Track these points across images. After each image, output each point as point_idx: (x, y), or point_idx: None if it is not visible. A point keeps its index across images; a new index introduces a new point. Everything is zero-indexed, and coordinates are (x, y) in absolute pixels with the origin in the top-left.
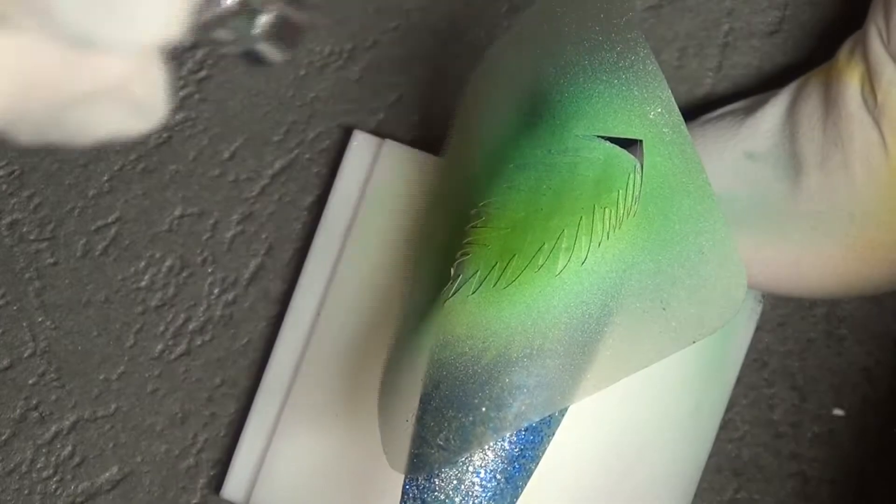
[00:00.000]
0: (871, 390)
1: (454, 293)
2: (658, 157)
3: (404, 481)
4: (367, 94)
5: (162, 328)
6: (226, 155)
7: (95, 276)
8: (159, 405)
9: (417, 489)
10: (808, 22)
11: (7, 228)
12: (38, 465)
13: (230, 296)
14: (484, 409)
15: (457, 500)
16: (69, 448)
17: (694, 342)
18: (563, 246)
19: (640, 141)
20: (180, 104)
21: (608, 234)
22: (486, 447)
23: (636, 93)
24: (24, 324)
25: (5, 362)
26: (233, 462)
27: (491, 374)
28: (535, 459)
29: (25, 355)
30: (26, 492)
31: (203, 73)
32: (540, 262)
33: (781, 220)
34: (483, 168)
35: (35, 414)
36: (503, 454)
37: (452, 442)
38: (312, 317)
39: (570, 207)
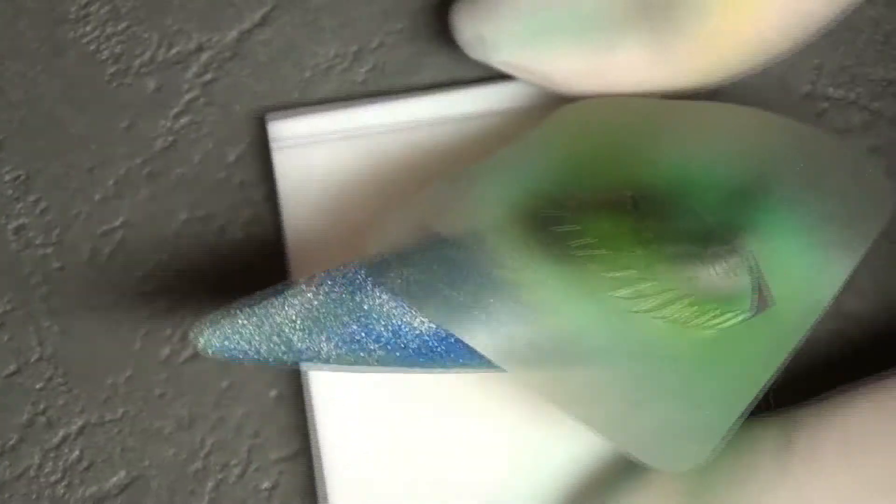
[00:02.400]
0: None
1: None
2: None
3: (358, 265)
4: (372, 96)
5: (168, 332)
6: (231, 158)
7: (102, 280)
8: (167, 409)
9: (362, 278)
10: None
11: (13, 233)
12: (46, 470)
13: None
14: (463, 299)
15: (373, 312)
16: (77, 452)
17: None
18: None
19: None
20: (185, 108)
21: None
22: (429, 320)
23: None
24: (31, 329)
25: (12, 367)
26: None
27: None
28: (442, 364)
29: (32, 360)
30: (34, 496)
31: (208, 77)
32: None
33: (632, 23)
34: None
35: (42, 419)
36: (435, 332)
37: (417, 291)
38: None
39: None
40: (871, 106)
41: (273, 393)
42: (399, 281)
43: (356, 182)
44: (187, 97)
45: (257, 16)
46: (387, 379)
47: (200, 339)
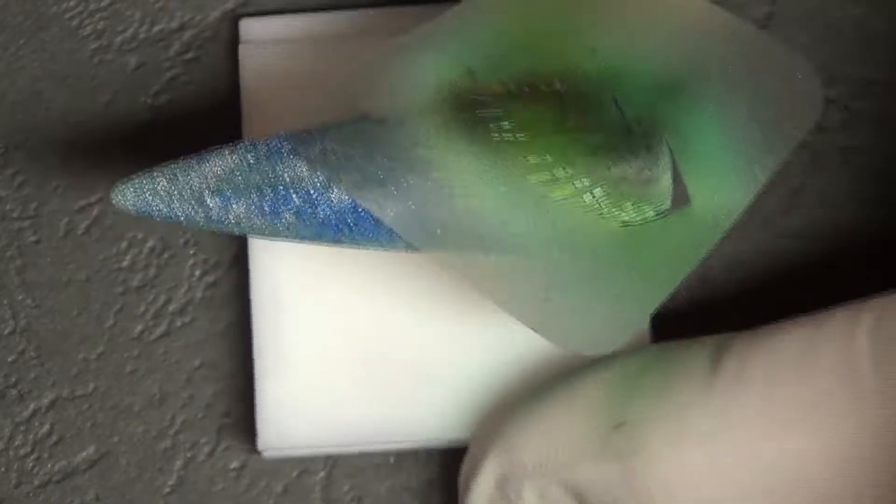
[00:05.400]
0: None
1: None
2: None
3: (281, 135)
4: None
5: (142, 309)
6: (210, 137)
7: (77, 255)
8: (137, 386)
9: (283, 146)
10: (796, 16)
11: None
12: (16, 443)
13: (211, 278)
14: (378, 174)
15: (287, 178)
16: (47, 426)
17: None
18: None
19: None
20: (166, 86)
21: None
22: (342, 192)
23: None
24: (5, 301)
25: None
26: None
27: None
28: (351, 237)
29: (5, 333)
30: (3, 469)
31: (190, 55)
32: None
33: None
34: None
35: (14, 392)
36: (348, 204)
37: (334, 162)
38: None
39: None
40: (850, 105)
41: (245, 373)
42: (317, 151)
43: (322, 85)
44: (168, 75)
45: None
46: (326, 257)
47: (115, 191)
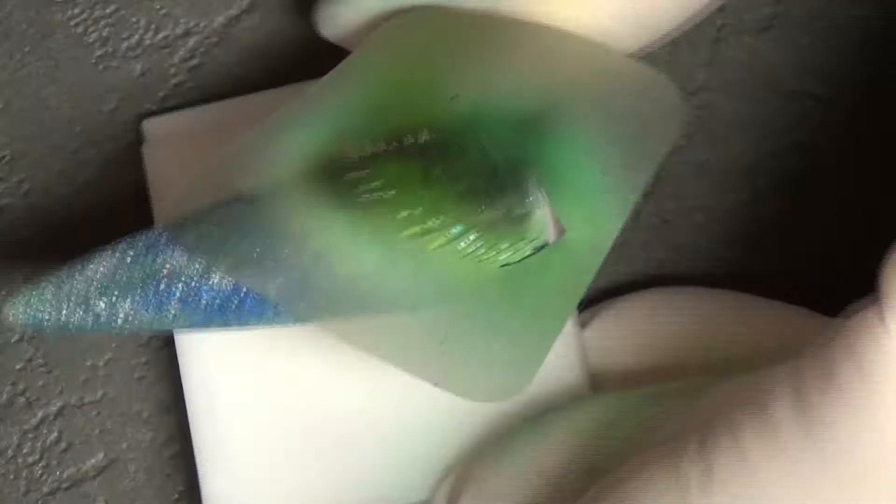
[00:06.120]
0: None
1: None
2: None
3: (159, 227)
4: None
5: None
6: None
7: None
8: (146, 392)
9: (160, 238)
10: (800, 19)
11: None
12: (25, 451)
13: None
14: (254, 252)
15: (166, 270)
16: (55, 434)
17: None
18: (458, 234)
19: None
20: (171, 92)
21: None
22: (222, 275)
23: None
24: None
25: None
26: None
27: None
28: (239, 320)
29: (13, 341)
30: (12, 477)
31: (195, 62)
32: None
33: None
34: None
35: (22, 399)
36: (230, 287)
37: (210, 246)
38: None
39: (472, 210)
40: (852, 107)
41: None
42: (193, 238)
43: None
44: (173, 81)
45: (245, 1)
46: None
47: (7, 309)
